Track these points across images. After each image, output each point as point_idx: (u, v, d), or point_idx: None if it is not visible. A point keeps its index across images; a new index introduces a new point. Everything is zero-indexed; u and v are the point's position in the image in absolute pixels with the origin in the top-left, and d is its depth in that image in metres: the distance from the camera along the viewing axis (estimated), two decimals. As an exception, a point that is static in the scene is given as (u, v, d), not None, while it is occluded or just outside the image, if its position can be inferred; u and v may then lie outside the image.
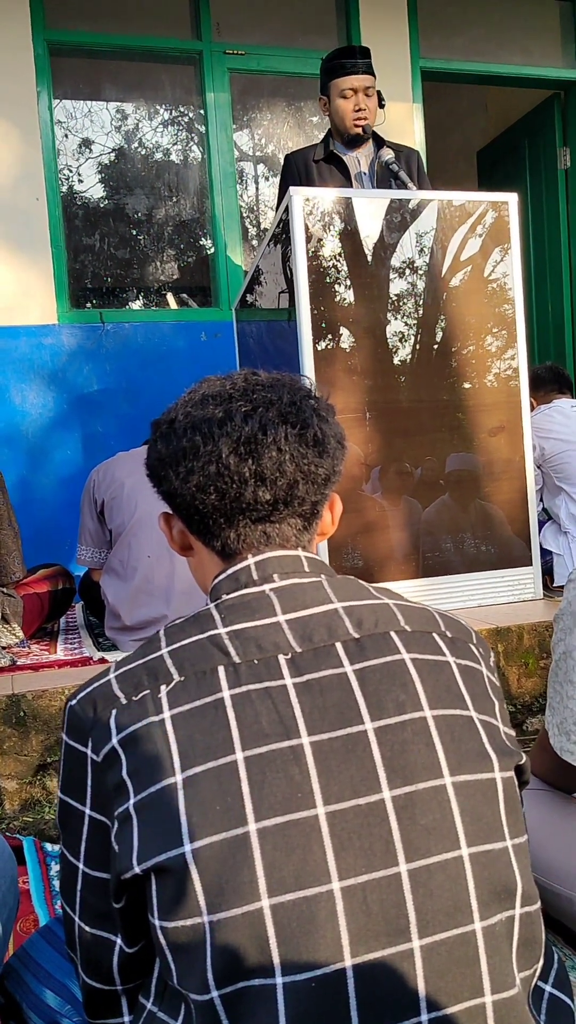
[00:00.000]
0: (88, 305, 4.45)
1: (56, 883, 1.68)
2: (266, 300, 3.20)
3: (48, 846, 1.85)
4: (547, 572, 3.20)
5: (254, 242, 4.82)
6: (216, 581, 0.94)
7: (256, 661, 0.83)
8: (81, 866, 0.86)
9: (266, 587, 0.90)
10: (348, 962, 0.72)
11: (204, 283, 4.64)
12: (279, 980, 0.71)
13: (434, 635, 0.89)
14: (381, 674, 0.82)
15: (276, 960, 0.71)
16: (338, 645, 0.84)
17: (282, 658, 0.83)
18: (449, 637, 0.90)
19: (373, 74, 3.27)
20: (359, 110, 3.22)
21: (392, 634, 0.86)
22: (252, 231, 4.89)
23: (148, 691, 0.83)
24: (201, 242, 4.73)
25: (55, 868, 1.74)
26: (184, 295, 4.63)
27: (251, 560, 0.92)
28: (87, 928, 0.87)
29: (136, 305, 4.62)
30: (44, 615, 2.89)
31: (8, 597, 2.66)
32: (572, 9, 5.08)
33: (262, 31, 4.45)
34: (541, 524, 3.23)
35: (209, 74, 4.34)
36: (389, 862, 0.75)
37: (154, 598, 2.67)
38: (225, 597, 0.91)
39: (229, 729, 0.78)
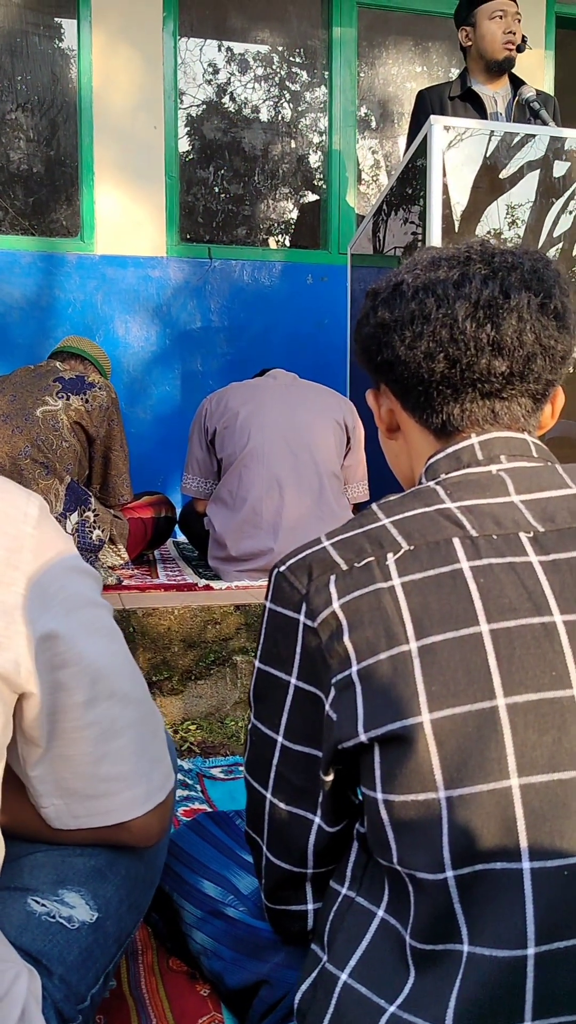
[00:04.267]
0: (196, 240, 4.38)
1: (180, 792, 1.65)
2: (387, 243, 3.09)
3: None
4: None
5: (371, 186, 4.69)
6: (432, 460, 0.87)
7: (495, 536, 0.76)
8: (280, 739, 0.82)
9: (492, 468, 0.83)
10: None
11: (314, 224, 4.53)
12: (527, 865, 0.65)
13: None
14: None
15: (524, 844, 0.66)
16: None
17: (524, 535, 0.77)
18: None
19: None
20: (510, 32, 3.07)
21: None
22: (368, 175, 4.76)
23: (372, 558, 0.77)
24: (315, 182, 4.61)
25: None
26: (278, 238, 4.52)
27: (475, 439, 0.86)
28: (282, 806, 0.82)
29: (244, 243, 4.53)
30: (147, 540, 2.88)
31: (116, 519, 2.65)
32: None
33: (394, -34, 4.29)
34: None
35: (337, 7, 4.21)
36: None
37: (261, 531, 2.63)
38: (445, 476, 0.84)
39: (471, 600, 0.72)
